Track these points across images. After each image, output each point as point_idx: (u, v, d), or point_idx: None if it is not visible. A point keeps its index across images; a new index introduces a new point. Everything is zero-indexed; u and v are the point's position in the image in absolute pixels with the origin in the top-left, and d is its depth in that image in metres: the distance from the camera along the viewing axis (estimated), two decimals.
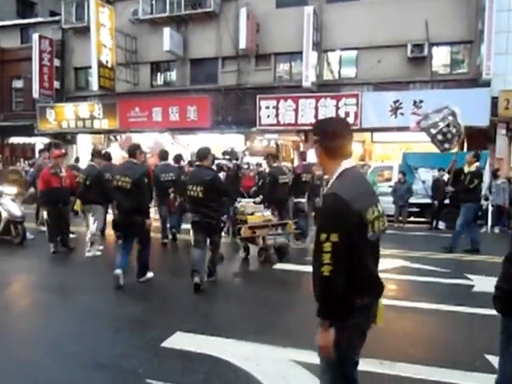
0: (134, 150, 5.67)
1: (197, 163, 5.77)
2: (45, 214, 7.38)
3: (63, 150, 10.27)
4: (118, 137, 17.89)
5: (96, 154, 7.70)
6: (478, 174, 7.65)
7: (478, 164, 7.75)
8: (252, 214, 7.04)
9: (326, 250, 1.73)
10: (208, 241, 5.56)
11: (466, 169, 7.62)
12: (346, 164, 1.91)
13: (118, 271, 5.32)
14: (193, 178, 5.53)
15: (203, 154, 5.52)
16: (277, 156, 8.83)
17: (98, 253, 7.18)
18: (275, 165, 8.11)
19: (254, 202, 7.63)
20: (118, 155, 13.04)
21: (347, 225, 1.75)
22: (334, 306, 1.76)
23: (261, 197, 7.80)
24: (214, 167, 6.94)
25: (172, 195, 7.91)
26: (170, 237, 8.31)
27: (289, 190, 8.05)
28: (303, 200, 8.38)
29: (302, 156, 9.35)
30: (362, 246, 1.79)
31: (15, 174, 10.22)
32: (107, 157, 8.55)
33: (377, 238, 1.90)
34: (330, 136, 1.94)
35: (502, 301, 1.85)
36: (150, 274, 5.71)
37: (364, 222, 1.79)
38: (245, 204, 7.38)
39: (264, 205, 7.62)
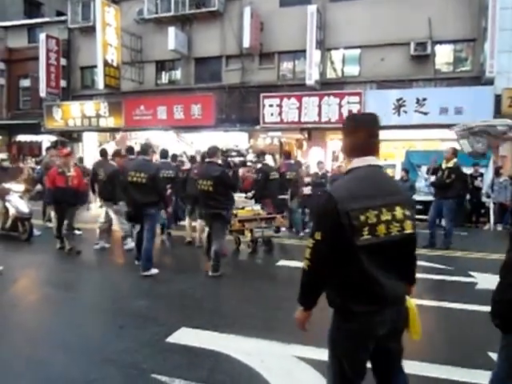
0: (146, 149, 6.10)
1: (207, 160, 6.13)
2: (52, 211, 7.35)
3: (68, 148, 10.25)
4: (117, 134, 17.93)
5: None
6: (454, 170, 7.51)
7: (456, 160, 7.63)
8: (242, 208, 7.37)
9: (308, 245, 1.76)
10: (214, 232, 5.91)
11: (444, 165, 7.53)
12: (358, 162, 1.82)
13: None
14: (203, 174, 5.91)
15: (213, 151, 5.94)
16: (264, 153, 9.53)
17: (132, 244, 7.10)
18: (265, 162, 8.74)
19: (246, 197, 7.93)
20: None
21: (330, 224, 1.70)
22: (303, 296, 1.86)
23: (252, 192, 8.22)
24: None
25: (169, 191, 7.94)
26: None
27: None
28: (286, 196, 8.76)
29: (286, 155, 9.79)
30: (353, 249, 1.68)
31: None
32: (103, 153, 8.81)
33: (386, 242, 1.73)
34: (347, 133, 1.89)
35: (502, 316, 1.67)
36: (154, 271, 5.80)
37: (353, 224, 1.67)
38: (236, 199, 7.49)
39: (256, 200, 7.98)
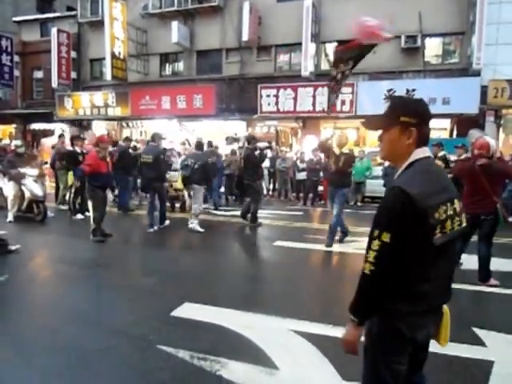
0: (154, 137, 7.45)
1: (246, 146, 8.35)
2: (89, 204, 6.38)
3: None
4: (130, 123, 17.81)
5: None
6: (352, 158, 6.45)
7: (351, 149, 6.75)
8: (176, 181, 8.98)
9: (373, 247, 1.44)
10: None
11: (337, 150, 6.19)
12: (419, 153, 1.53)
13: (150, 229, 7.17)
14: (244, 155, 8.23)
15: (248, 139, 8.27)
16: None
17: (199, 228, 7.24)
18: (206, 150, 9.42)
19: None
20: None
21: (405, 225, 1.39)
22: (363, 305, 1.51)
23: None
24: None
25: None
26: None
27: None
28: None
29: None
30: (423, 250, 1.44)
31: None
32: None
33: (449, 240, 1.48)
34: (427, 119, 1.54)
35: None
36: (167, 222, 7.54)
37: (430, 222, 1.41)
38: (172, 174, 9.13)
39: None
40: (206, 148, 8.68)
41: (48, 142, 18.39)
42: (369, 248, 1.46)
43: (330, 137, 6.80)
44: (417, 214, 1.39)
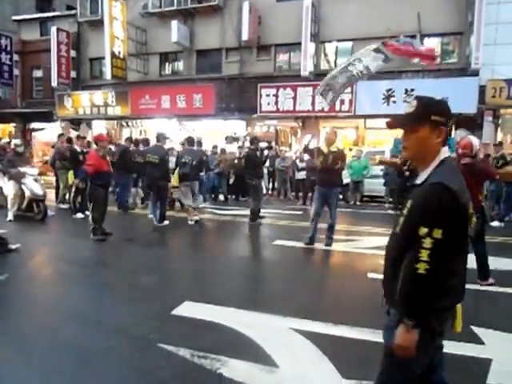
0: (159, 137, 7.58)
1: (247, 145, 8.78)
2: (89, 204, 6.38)
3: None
4: (130, 122, 17.79)
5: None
6: (341, 156, 6.23)
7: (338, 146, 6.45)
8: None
9: (425, 246, 1.40)
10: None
11: (326, 149, 6.07)
12: (444, 152, 1.56)
13: (151, 216, 7.79)
14: (245, 155, 8.46)
15: (250, 140, 8.42)
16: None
17: (191, 222, 7.78)
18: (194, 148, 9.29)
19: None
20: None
21: (454, 220, 1.41)
22: (423, 306, 1.44)
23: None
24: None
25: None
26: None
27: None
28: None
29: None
30: (459, 244, 1.47)
31: None
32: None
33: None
34: (451, 119, 1.58)
35: None
36: (166, 222, 7.58)
37: (468, 217, 1.47)
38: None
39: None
40: (195, 147, 8.87)
41: (39, 135, 18.44)
42: (419, 246, 1.41)
43: (311, 139, 6.94)
44: (459, 209, 1.42)
